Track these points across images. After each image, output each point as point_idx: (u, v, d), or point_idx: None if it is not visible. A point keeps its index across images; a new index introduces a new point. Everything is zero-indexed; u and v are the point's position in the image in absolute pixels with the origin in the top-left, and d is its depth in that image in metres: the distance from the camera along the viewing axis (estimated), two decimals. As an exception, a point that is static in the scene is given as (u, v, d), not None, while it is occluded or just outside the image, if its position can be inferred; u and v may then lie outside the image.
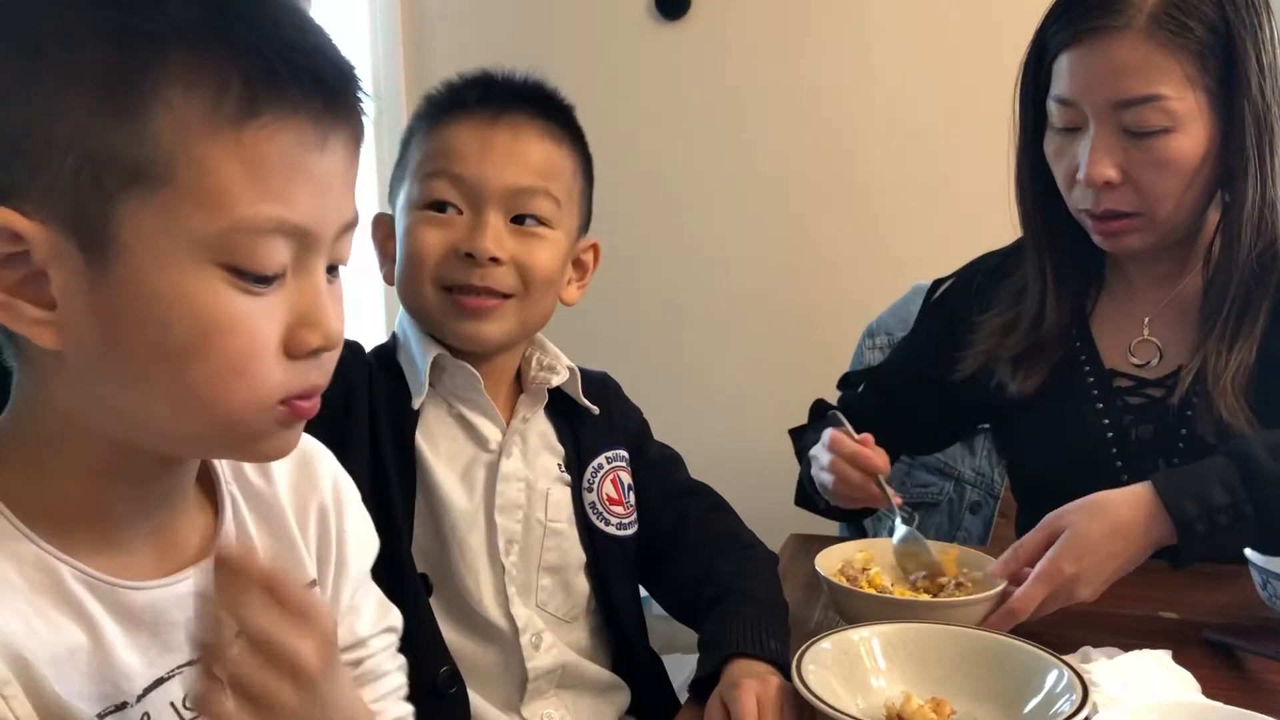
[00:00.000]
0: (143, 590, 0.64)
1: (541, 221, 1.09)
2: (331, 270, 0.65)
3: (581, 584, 1.15)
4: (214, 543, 0.69)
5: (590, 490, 1.16)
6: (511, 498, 1.10)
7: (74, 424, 0.62)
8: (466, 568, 1.08)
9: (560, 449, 1.17)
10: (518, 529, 1.10)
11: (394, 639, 0.84)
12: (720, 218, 2.56)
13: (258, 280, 0.60)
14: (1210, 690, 0.94)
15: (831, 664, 0.93)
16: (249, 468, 0.74)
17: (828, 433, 1.26)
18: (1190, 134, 1.18)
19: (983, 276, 1.44)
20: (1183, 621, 1.13)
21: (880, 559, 1.19)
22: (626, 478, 1.20)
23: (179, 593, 0.66)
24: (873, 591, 1.11)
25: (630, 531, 1.18)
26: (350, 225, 0.65)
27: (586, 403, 1.18)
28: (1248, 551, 1.11)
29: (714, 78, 2.52)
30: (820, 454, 1.26)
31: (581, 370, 1.21)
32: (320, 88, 0.59)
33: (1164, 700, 0.88)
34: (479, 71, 1.13)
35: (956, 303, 1.45)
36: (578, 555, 1.15)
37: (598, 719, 1.13)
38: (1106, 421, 1.31)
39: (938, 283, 1.53)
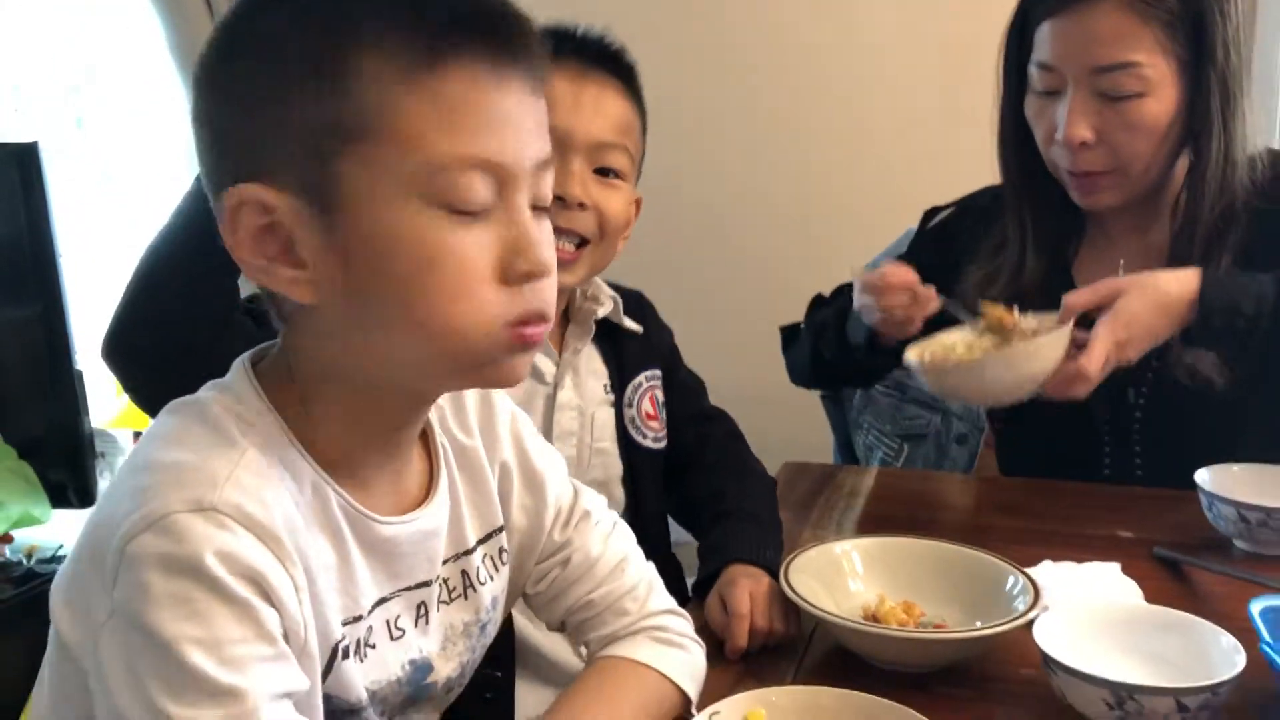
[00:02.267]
0: (384, 525, 0.74)
1: (618, 174, 1.19)
2: (537, 209, 0.71)
3: (618, 494, 1.26)
4: (433, 488, 0.79)
5: (630, 406, 1.27)
6: (566, 426, 1.22)
7: (330, 373, 0.71)
8: None
9: (604, 370, 1.27)
10: (572, 453, 1.22)
11: (607, 519, 0.94)
12: (714, 166, 2.62)
13: (463, 213, 0.67)
14: (1154, 598, 1.06)
15: (815, 570, 1.05)
16: (451, 421, 0.83)
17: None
18: (1160, 99, 1.27)
19: (975, 216, 1.52)
20: (1137, 539, 1.24)
21: (955, 344, 1.28)
22: (661, 395, 1.31)
23: (409, 530, 0.76)
24: (966, 360, 1.22)
25: (662, 445, 1.30)
26: (546, 162, 0.71)
27: (632, 325, 1.28)
28: (1196, 476, 1.22)
29: (724, 28, 2.56)
30: (856, 298, 1.34)
31: (618, 288, 1.31)
32: (493, 36, 0.67)
33: (1104, 604, 1.00)
34: (562, 25, 1.20)
35: (954, 235, 1.53)
36: (617, 468, 1.26)
37: None
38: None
39: (934, 210, 1.59)
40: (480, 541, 0.85)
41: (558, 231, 1.14)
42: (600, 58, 1.20)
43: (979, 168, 1.62)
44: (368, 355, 0.70)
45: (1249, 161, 1.31)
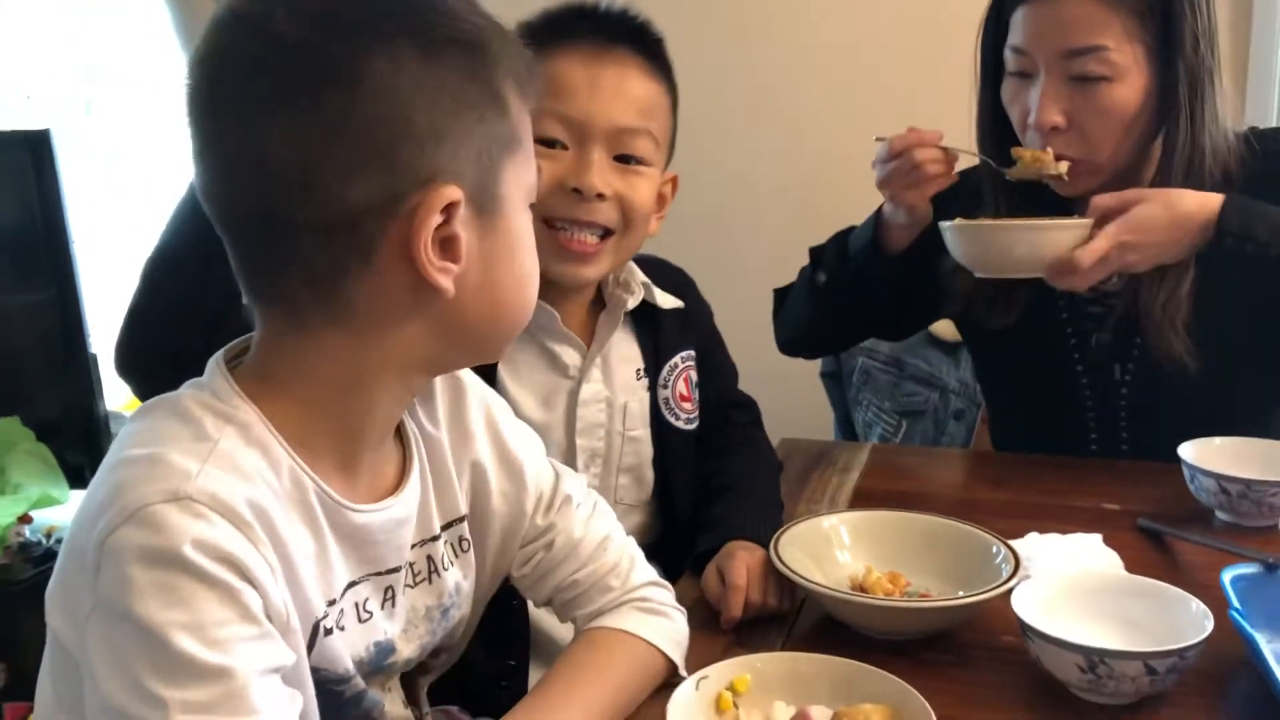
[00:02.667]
0: (359, 513, 0.77)
1: (641, 161, 1.15)
2: None
3: (648, 475, 1.26)
4: (406, 474, 0.82)
5: (665, 387, 1.26)
6: (591, 419, 1.20)
7: (398, 365, 0.76)
8: None
9: (637, 354, 1.25)
10: (600, 445, 1.21)
11: (588, 501, 0.98)
12: (729, 140, 2.64)
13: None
14: (1134, 567, 1.09)
15: (804, 544, 1.09)
16: (420, 411, 0.86)
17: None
18: (1129, 85, 1.30)
19: (969, 191, 1.54)
20: (1122, 511, 1.27)
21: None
22: (695, 375, 1.29)
23: (382, 518, 0.79)
24: (987, 221, 1.32)
25: (694, 426, 1.29)
26: None
27: (670, 302, 1.26)
28: (1179, 449, 1.25)
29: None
30: (880, 168, 1.36)
31: (658, 262, 1.30)
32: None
33: (1080, 573, 1.03)
34: (581, 2, 1.16)
35: (947, 205, 1.55)
36: (649, 452, 1.26)
37: None
38: (1070, 330, 1.45)
39: None
40: (443, 528, 0.88)
41: (578, 224, 1.13)
42: (621, 34, 1.15)
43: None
44: (463, 341, 0.78)
45: (1222, 149, 1.33)
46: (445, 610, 0.88)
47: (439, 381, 0.88)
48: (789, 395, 2.10)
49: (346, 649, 0.78)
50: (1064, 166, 1.32)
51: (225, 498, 0.66)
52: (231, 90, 0.70)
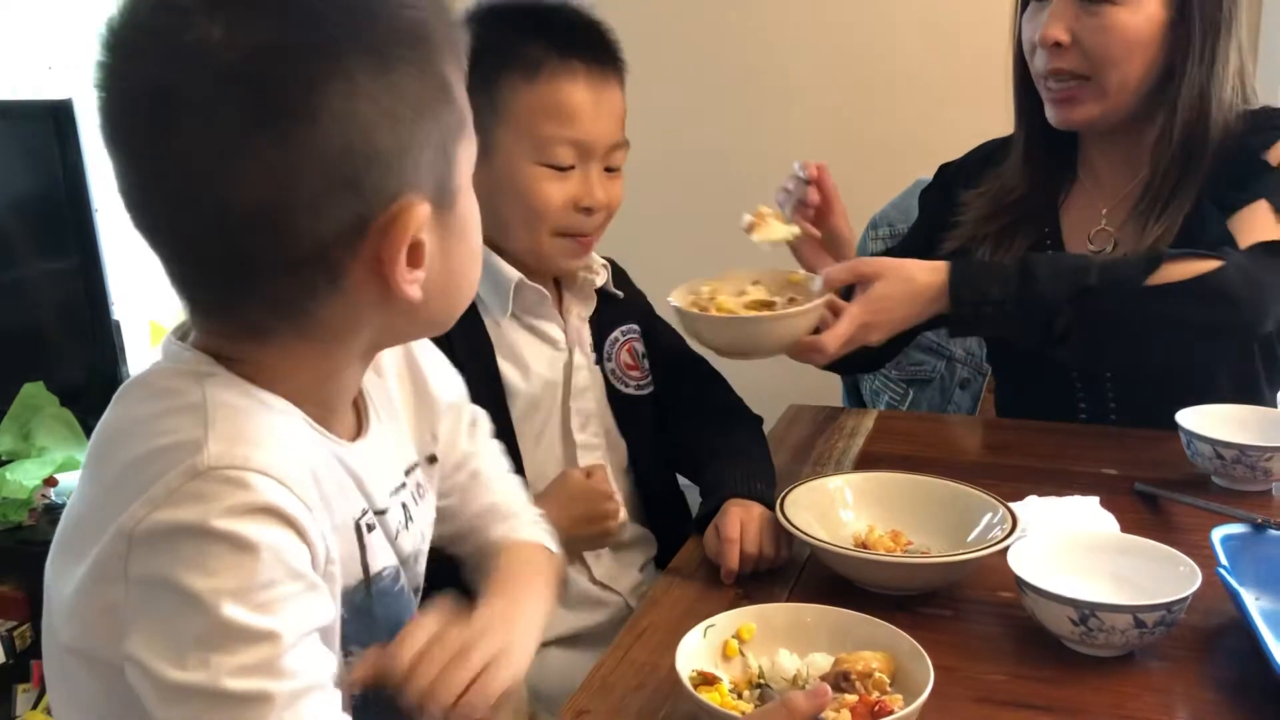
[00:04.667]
0: (342, 445, 0.78)
1: (619, 167, 1.26)
2: None
3: (621, 442, 1.35)
4: (363, 418, 0.84)
5: (609, 359, 1.35)
6: (580, 384, 1.30)
7: (363, 354, 0.78)
8: (544, 454, 1.27)
9: (589, 332, 1.34)
10: (592, 407, 1.31)
11: (484, 420, 1.04)
12: (728, 120, 2.66)
13: None
14: (1130, 529, 1.12)
15: (810, 503, 1.12)
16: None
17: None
18: (1138, 11, 1.33)
19: (979, 159, 1.58)
20: (1120, 476, 1.31)
21: (725, 289, 1.31)
22: (640, 347, 1.38)
23: (359, 453, 0.80)
24: (719, 314, 1.24)
25: (648, 391, 1.37)
26: None
27: (618, 291, 1.36)
28: (1177, 416, 1.28)
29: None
30: None
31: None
32: None
33: (1075, 531, 1.07)
34: (577, 13, 1.22)
35: (953, 181, 1.59)
36: (610, 421, 1.34)
37: (629, 565, 1.33)
38: None
39: (947, 165, 1.65)
40: (406, 474, 0.90)
41: (584, 233, 1.23)
42: (609, 56, 1.23)
43: (984, 119, 1.66)
44: (410, 320, 0.77)
45: (1227, 105, 1.35)
46: (419, 555, 0.91)
47: None
48: (797, 363, 2.14)
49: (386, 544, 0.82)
50: (779, 232, 1.33)
51: (244, 452, 0.66)
52: (182, 131, 0.66)
